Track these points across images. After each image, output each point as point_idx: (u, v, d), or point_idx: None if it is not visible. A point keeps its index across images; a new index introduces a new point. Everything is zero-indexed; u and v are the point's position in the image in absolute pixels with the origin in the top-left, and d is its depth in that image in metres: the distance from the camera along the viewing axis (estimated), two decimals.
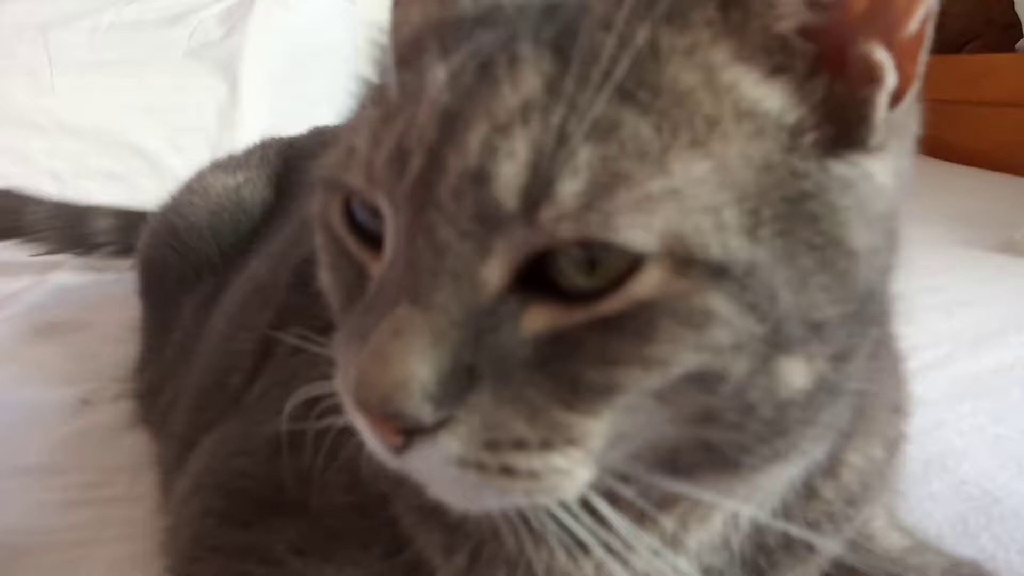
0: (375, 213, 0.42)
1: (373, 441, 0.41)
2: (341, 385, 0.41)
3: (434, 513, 0.51)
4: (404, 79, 0.42)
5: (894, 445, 0.61)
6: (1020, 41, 2.36)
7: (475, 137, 0.37)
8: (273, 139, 1.26)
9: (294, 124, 2.05)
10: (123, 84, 1.91)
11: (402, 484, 0.48)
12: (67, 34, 1.92)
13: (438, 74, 0.40)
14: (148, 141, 1.89)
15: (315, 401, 0.49)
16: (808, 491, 0.53)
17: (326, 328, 0.68)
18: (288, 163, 1.18)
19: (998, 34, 2.43)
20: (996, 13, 2.34)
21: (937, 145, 2.58)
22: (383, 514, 0.56)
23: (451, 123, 0.38)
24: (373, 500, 0.56)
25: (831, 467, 0.54)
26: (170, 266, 1.09)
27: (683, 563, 0.49)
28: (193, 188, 1.12)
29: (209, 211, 1.08)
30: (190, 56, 1.98)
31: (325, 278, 0.49)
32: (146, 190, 1.84)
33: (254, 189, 1.11)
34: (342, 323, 0.45)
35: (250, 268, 0.94)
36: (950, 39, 2.66)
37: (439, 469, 0.39)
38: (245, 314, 0.86)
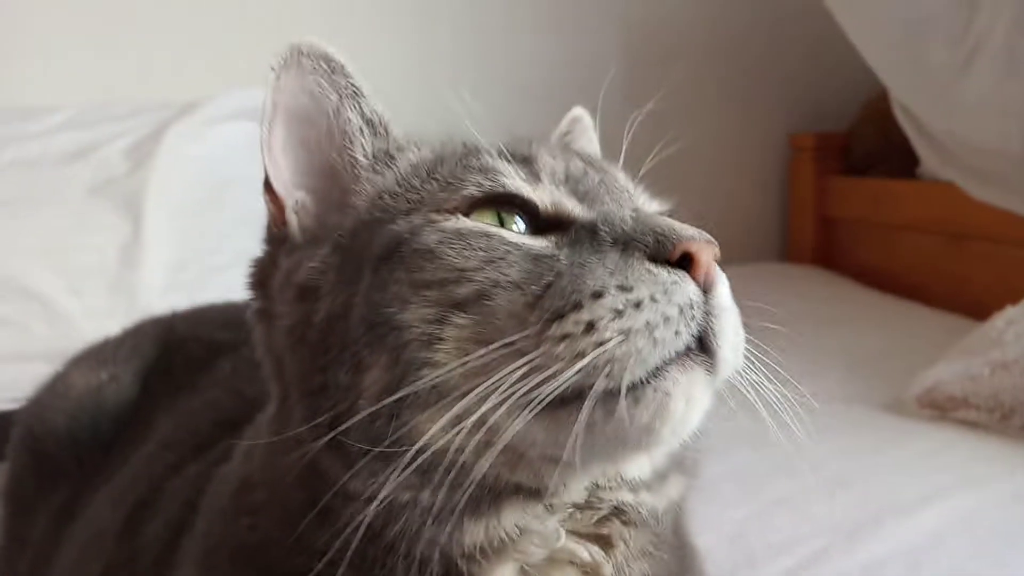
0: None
1: (687, 286, 0.54)
2: (665, 251, 0.55)
3: None
4: None
5: None
6: (919, 167, 2.45)
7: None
8: (151, 321, 1.22)
9: (203, 258, 2.04)
10: (19, 225, 1.87)
11: None
12: None
13: None
14: (44, 284, 1.83)
15: None
16: None
17: None
18: (164, 351, 1.15)
19: (899, 159, 2.52)
20: (897, 139, 2.43)
21: (851, 263, 2.68)
22: None
23: None
24: None
25: None
26: (28, 472, 1.05)
27: None
28: (55, 388, 1.09)
29: (68, 415, 1.05)
30: (93, 193, 1.95)
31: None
32: (39, 336, 1.80)
33: (119, 388, 1.08)
34: (588, 267, 0.56)
35: (101, 497, 0.91)
36: (858, 161, 2.75)
37: (729, 306, 0.57)
38: (80, 562, 0.83)
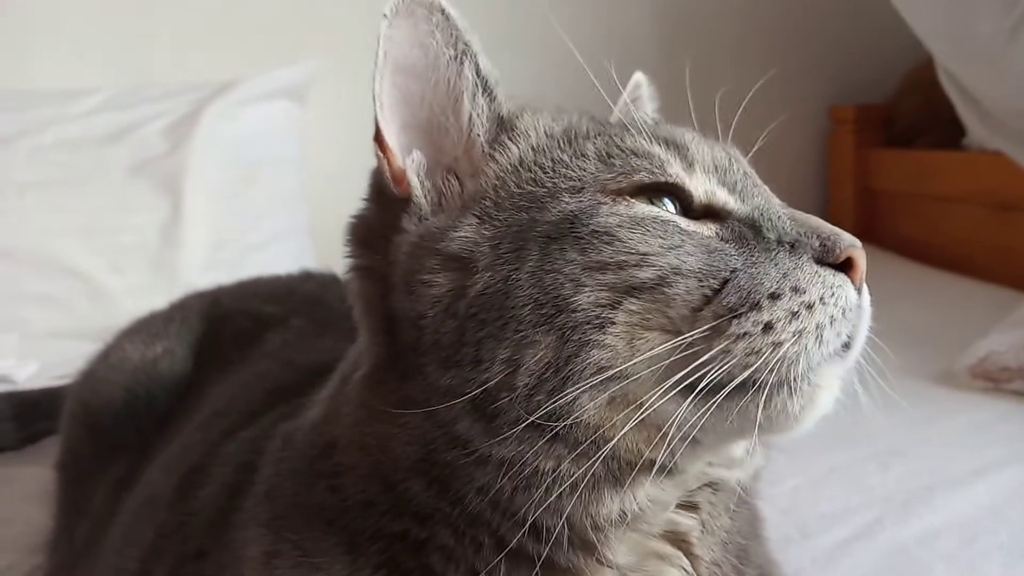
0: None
1: (849, 290, 0.57)
2: (831, 256, 0.58)
3: None
4: None
5: None
6: (965, 138, 2.40)
7: None
8: (197, 295, 1.23)
9: (240, 237, 2.06)
10: (63, 204, 1.89)
11: None
12: (6, 154, 1.90)
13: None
14: (86, 263, 1.86)
15: None
16: None
17: (197, 554, 0.68)
18: (211, 325, 1.15)
19: (944, 130, 2.47)
20: (941, 109, 2.38)
21: (892, 236, 2.64)
22: None
23: None
24: None
25: None
26: (84, 445, 1.06)
27: None
28: (110, 360, 1.10)
29: (124, 387, 1.05)
30: (133, 173, 1.96)
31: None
32: (82, 314, 1.82)
33: (173, 361, 1.08)
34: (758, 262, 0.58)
35: (155, 465, 0.92)
36: (901, 133, 2.70)
37: (869, 308, 0.59)
38: (133, 527, 0.84)
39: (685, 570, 0.62)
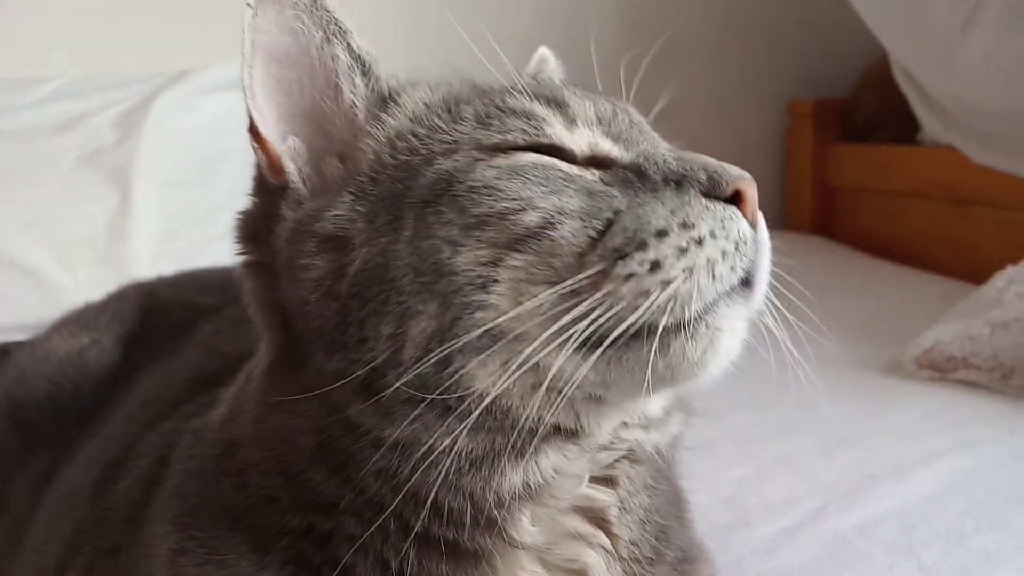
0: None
1: (740, 222, 0.56)
2: (719, 189, 0.56)
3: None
4: None
5: None
6: (919, 132, 2.42)
7: None
8: (134, 285, 1.21)
9: (194, 229, 2.02)
10: (8, 196, 1.84)
11: None
12: None
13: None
14: (34, 257, 1.81)
15: None
16: None
17: (112, 550, 0.66)
18: (147, 316, 1.13)
19: (901, 125, 2.49)
20: (898, 104, 2.40)
21: (850, 230, 2.65)
22: None
23: None
24: None
25: None
26: (8, 439, 1.03)
27: None
28: (36, 352, 1.07)
29: (49, 380, 1.03)
30: (81, 164, 1.91)
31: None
32: (29, 308, 1.78)
33: (100, 352, 1.06)
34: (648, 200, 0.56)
35: (78, 459, 0.90)
36: (859, 128, 2.72)
37: (767, 242, 0.58)
38: (54, 523, 0.82)
39: (605, 549, 0.61)
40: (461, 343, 0.53)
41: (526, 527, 0.58)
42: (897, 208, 2.47)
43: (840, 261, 2.36)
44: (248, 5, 0.61)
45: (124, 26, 2.31)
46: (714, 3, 2.80)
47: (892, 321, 1.75)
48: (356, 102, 0.64)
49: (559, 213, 0.54)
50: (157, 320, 1.11)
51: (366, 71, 0.65)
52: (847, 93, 2.78)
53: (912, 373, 1.46)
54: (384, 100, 0.65)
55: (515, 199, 0.55)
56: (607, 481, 0.61)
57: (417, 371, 0.53)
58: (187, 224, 2.01)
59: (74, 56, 2.26)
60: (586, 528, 0.60)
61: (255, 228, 0.65)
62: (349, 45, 0.64)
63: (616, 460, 0.61)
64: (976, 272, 1.83)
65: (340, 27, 0.64)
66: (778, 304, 0.61)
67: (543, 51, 0.82)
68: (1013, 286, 1.42)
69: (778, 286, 0.62)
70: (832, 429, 1.29)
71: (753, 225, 0.57)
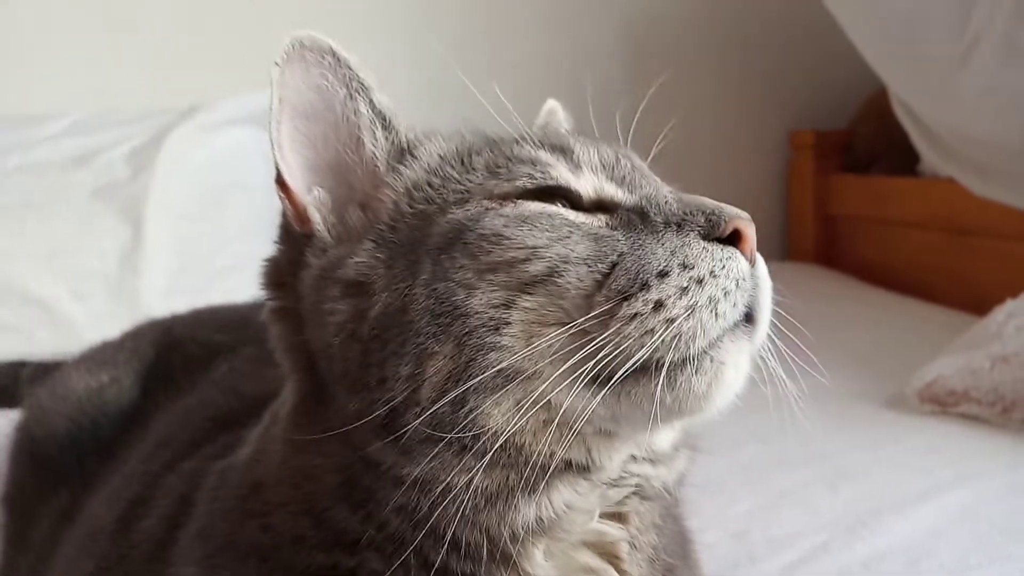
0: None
1: (739, 261, 0.58)
2: (718, 229, 0.59)
3: None
4: None
5: None
6: (920, 164, 2.45)
7: None
8: (150, 323, 1.23)
9: (206, 263, 2.05)
10: (23, 229, 1.87)
11: None
12: None
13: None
14: (46, 289, 1.84)
15: None
16: None
17: None
18: (162, 353, 1.15)
19: (901, 156, 2.52)
20: (898, 135, 2.43)
21: (851, 260, 2.67)
22: None
23: None
24: None
25: None
26: (29, 476, 1.05)
27: None
28: (56, 390, 1.09)
29: (68, 418, 1.05)
30: (95, 198, 1.95)
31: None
32: (42, 341, 1.80)
33: (120, 391, 1.08)
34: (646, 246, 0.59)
35: (99, 497, 0.91)
36: (859, 158, 2.75)
37: (767, 278, 0.60)
38: (75, 560, 0.84)
39: None
40: (476, 383, 0.55)
41: (539, 561, 0.59)
42: (898, 238, 2.49)
43: (841, 290, 2.38)
44: (276, 64, 0.64)
45: (130, 63, 2.36)
46: (717, 38, 2.85)
47: (894, 353, 1.77)
48: (377, 154, 0.67)
49: (564, 261, 0.57)
50: (174, 357, 1.13)
51: (387, 125, 0.68)
52: (848, 124, 2.82)
53: (914, 407, 1.48)
54: (403, 152, 0.68)
55: (522, 247, 0.58)
56: (618, 517, 0.63)
57: (434, 410, 0.55)
58: (199, 258, 2.04)
59: (82, 92, 2.30)
60: (597, 563, 0.62)
61: (281, 274, 0.68)
62: (371, 101, 0.67)
63: (626, 496, 0.63)
64: (976, 302, 1.85)
65: (363, 84, 0.67)
66: (780, 340, 0.64)
67: (551, 103, 0.85)
68: (1013, 320, 1.44)
69: (779, 324, 0.64)
70: (835, 462, 1.30)
71: (752, 263, 0.59)
